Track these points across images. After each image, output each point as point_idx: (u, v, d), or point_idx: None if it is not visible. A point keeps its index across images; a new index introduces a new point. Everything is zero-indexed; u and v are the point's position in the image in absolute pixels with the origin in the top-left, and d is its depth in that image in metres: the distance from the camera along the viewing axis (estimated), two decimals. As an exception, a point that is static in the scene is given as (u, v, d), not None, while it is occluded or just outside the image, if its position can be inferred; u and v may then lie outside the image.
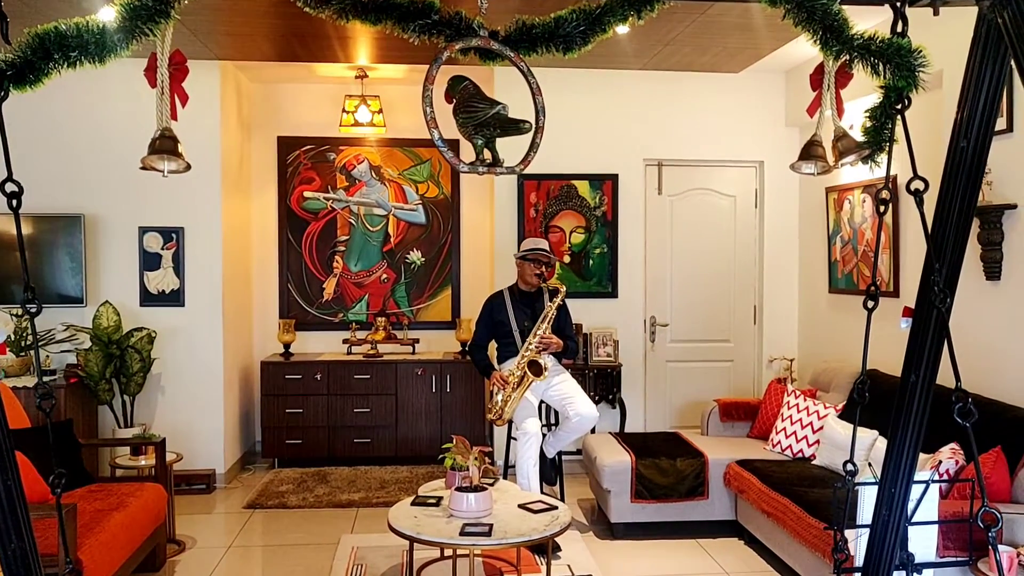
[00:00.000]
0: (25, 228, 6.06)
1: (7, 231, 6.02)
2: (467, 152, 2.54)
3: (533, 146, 2.48)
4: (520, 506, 4.01)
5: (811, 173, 2.91)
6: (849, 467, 2.30)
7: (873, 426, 4.49)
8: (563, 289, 5.27)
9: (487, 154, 2.49)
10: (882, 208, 2.16)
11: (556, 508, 4.01)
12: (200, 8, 4.94)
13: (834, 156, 2.69)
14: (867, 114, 2.30)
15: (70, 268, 6.15)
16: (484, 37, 2.37)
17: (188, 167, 2.90)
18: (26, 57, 1.90)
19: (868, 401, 2.22)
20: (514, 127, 2.49)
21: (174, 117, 2.79)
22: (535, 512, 3.92)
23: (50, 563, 3.31)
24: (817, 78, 2.71)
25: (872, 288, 2.10)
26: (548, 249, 5.33)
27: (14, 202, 1.91)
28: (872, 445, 4.38)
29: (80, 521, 3.71)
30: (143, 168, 3.01)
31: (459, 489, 3.86)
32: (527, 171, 6.69)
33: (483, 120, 2.47)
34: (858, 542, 2.85)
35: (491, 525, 3.67)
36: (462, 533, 3.59)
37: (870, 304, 2.10)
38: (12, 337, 6.01)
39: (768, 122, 6.96)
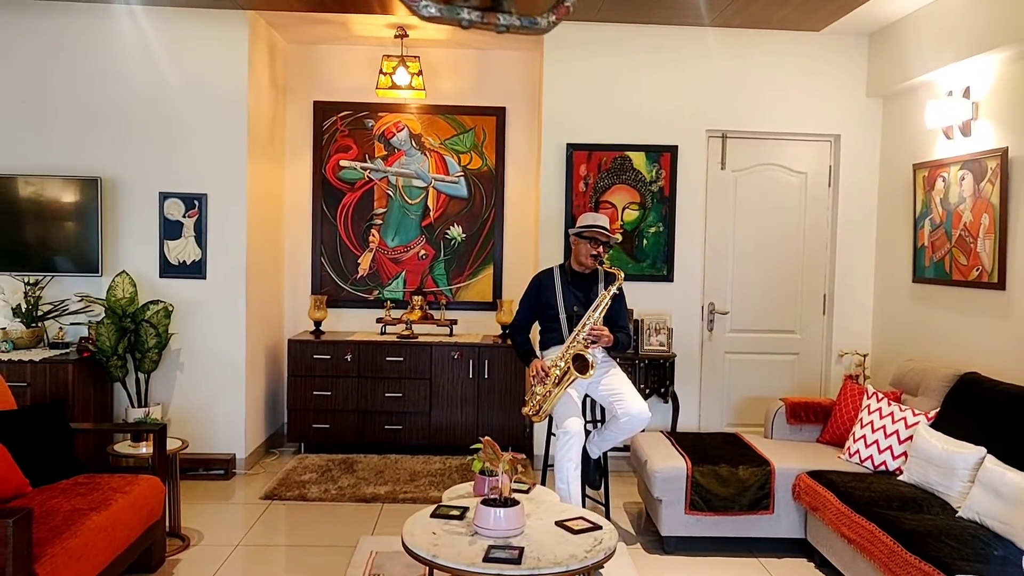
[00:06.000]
0: (43, 191, 5.66)
1: (30, 196, 5.64)
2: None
3: None
4: (558, 523, 3.42)
5: None
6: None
7: (976, 440, 3.84)
8: (621, 275, 4.64)
9: None
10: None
11: (600, 528, 3.38)
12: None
13: None
14: None
15: (87, 235, 5.73)
16: None
17: None
18: None
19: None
20: None
21: None
22: (575, 532, 3.32)
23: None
24: None
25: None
26: (608, 227, 4.74)
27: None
28: (980, 464, 3.71)
29: (50, 524, 3.20)
30: None
31: (486, 502, 3.30)
32: (577, 141, 6.22)
33: None
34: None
35: (522, 549, 3.09)
36: (487, 559, 3.01)
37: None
38: (24, 307, 5.65)
39: (846, 92, 6.24)
